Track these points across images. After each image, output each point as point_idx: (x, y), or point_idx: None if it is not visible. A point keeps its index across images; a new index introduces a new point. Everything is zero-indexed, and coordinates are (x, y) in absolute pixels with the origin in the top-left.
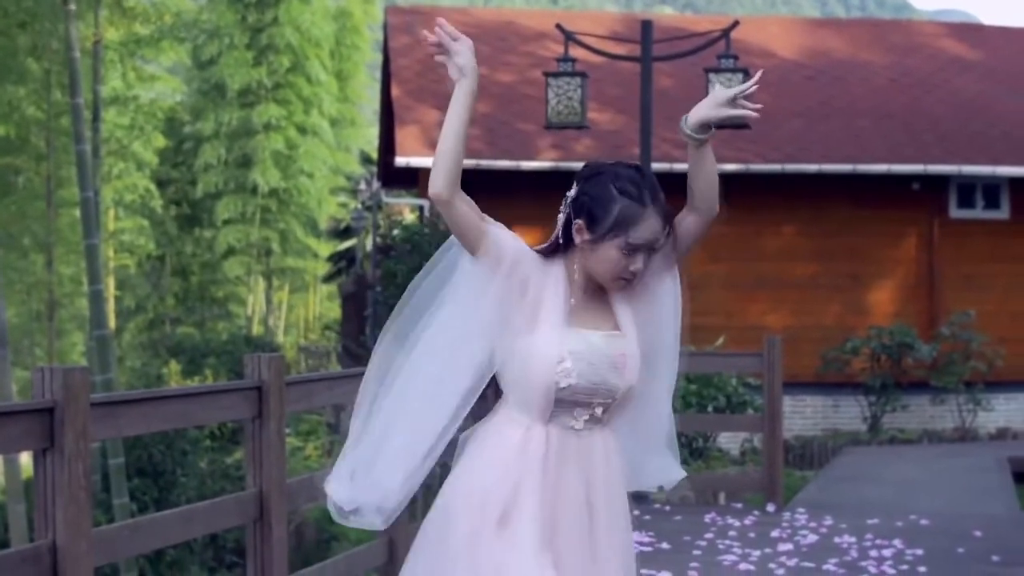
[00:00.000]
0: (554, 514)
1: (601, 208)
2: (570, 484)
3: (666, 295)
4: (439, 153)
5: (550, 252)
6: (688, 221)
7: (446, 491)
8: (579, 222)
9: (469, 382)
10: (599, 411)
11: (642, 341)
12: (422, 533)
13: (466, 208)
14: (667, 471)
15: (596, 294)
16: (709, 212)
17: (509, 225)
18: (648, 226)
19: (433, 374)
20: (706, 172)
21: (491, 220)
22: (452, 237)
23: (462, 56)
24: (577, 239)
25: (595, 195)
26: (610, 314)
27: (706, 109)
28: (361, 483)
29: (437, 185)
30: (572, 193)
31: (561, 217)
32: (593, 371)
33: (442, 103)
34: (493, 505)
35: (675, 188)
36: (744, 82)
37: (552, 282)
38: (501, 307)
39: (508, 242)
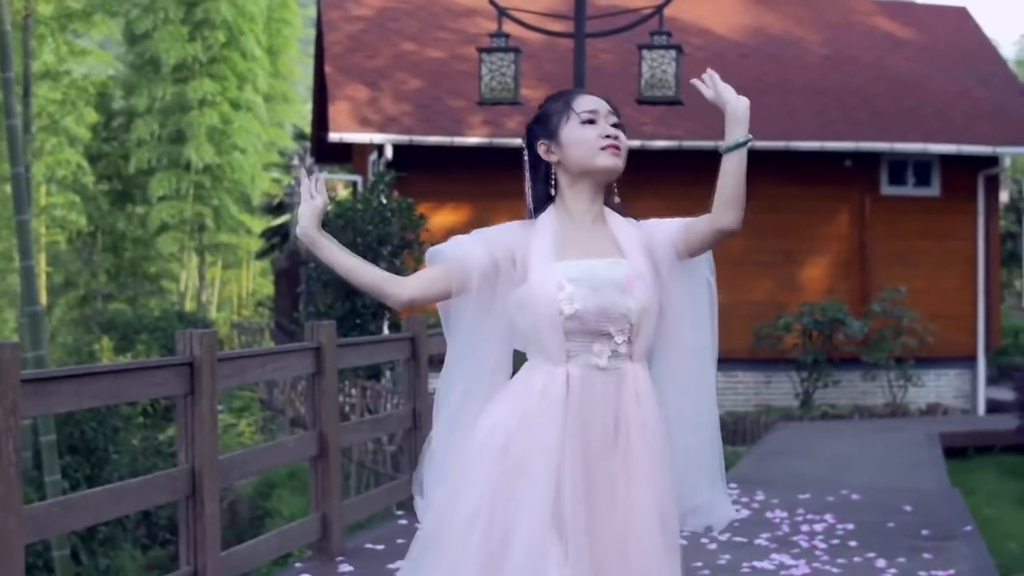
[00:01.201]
0: (580, 455)
1: (543, 121)
2: (595, 425)
3: (687, 299)
4: (364, 285)
5: (543, 204)
6: (701, 222)
7: (469, 435)
8: (542, 143)
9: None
10: (620, 341)
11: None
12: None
13: (426, 285)
14: (716, 508)
15: (598, 225)
16: (719, 220)
17: (443, 201)
18: (585, 99)
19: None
20: (721, 178)
21: (447, 249)
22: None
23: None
24: (551, 157)
25: (534, 122)
26: (613, 243)
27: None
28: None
29: (396, 301)
30: (523, 144)
31: (529, 174)
32: (598, 295)
33: (374, 79)
34: (512, 446)
35: None
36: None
37: (536, 232)
38: (496, 300)
39: (468, 248)
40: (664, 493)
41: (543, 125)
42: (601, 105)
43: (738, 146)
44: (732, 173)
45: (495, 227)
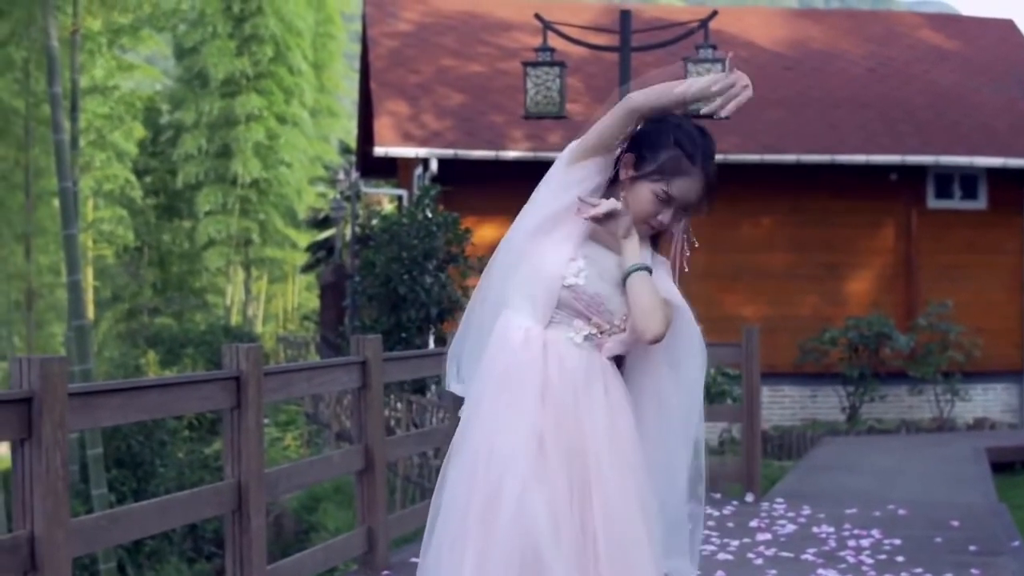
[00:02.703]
0: (554, 415)
1: (652, 149)
2: (567, 392)
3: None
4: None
5: (609, 184)
6: (629, 331)
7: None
8: (629, 155)
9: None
10: (596, 331)
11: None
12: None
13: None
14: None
15: (609, 251)
16: (644, 335)
17: (488, 215)
18: (690, 184)
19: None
20: (630, 297)
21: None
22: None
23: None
24: (622, 173)
25: (652, 136)
26: (642, 257)
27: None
28: (469, 375)
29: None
30: (635, 128)
31: (618, 151)
32: (600, 282)
33: (416, 94)
34: (499, 395)
35: None
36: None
37: (570, 227)
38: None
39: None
40: (640, 485)
41: (644, 153)
42: (694, 197)
43: (636, 270)
44: (637, 292)
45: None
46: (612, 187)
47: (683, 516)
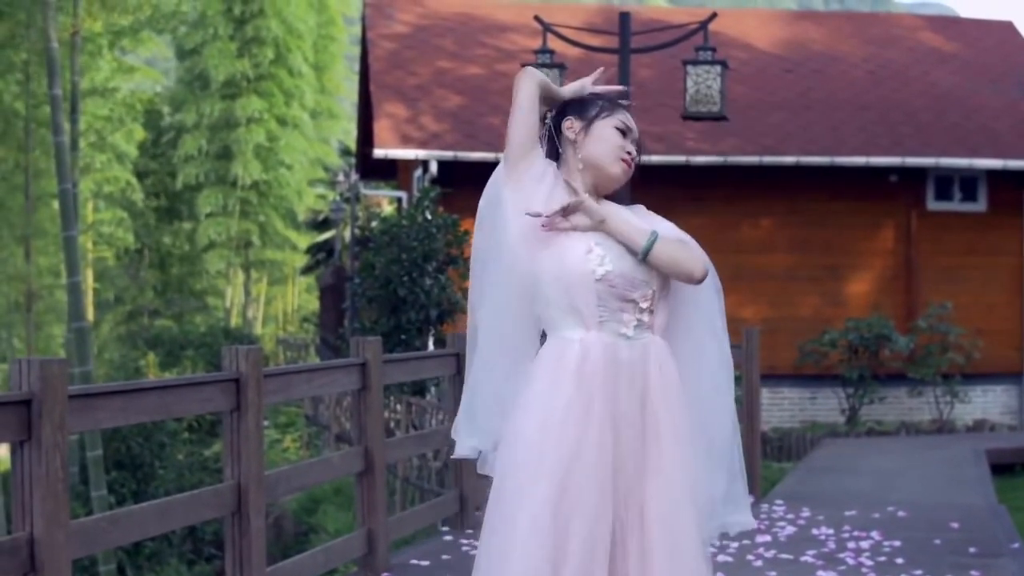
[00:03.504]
0: (610, 428)
1: (582, 106)
2: (623, 398)
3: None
4: None
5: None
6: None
7: (507, 438)
8: (571, 120)
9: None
10: (645, 307)
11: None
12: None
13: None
14: (734, 506)
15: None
16: (689, 280)
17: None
18: (627, 115)
19: (496, 321)
20: (661, 268)
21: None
22: (495, 176)
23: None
24: (569, 136)
25: (573, 104)
26: (629, 220)
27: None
28: (468, 432)
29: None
30: (547, 114)
31: (544, 134)
32: (623, 258)
33: (414, 96)
34: (555, 431)
35: (653, 180)
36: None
37: (559, 188)
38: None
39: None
40: (685, 464)
41: (581, 108)
42: (634, 127)
43: (650, 246)
44: (665, 255)
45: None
46: (561, 166)
47: (737, 467)
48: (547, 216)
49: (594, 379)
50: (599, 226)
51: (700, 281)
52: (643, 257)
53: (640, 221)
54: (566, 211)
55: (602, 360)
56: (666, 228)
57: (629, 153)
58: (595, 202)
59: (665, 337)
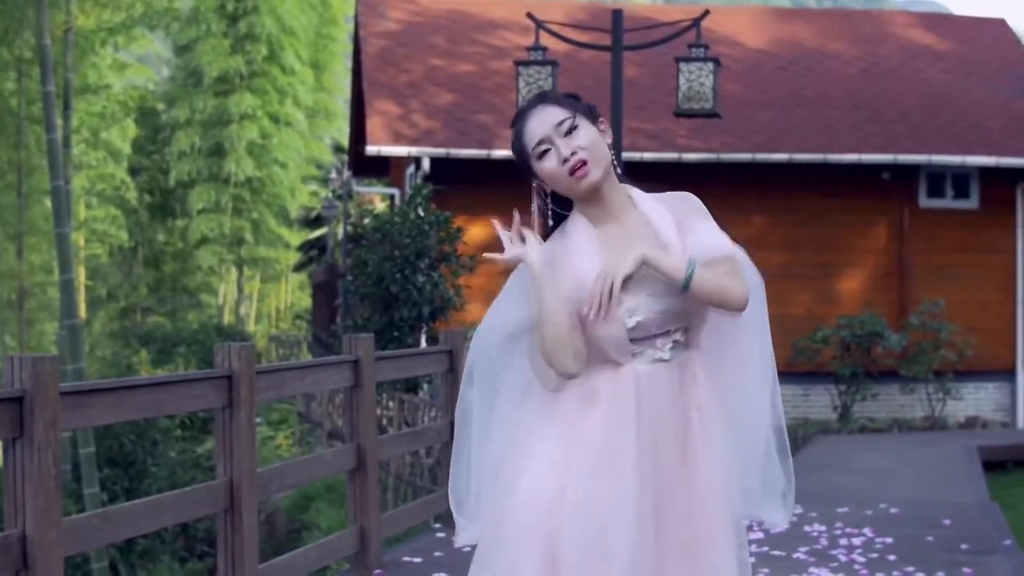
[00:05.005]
0: (650, 455)
1: (518, 162)
2: (663, 423)
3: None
4: (548, 339)
5: (549, 235)
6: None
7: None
8: (533, 182)
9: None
10: (679, 335)
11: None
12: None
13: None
14: (767, 501)
15: (628, 210)
16: (729, 310)
17: (479, 214)
18: (530, 131)
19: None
20: (703, 301)
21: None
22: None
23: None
24: (542, 190)
25: (517, 169)
26: (648, 227)
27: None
28: (472, 519)
29: (570, 367)
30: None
31: (537, 201)
32: (657, 301)
33: (406, 93)
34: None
35: (645, 177)
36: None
37: (574, 241)
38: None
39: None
40: (728, 478)
41: (522, 166)
42: (546, 125)
43: (690, 279)
44: (704, 290)
45: (545, 249)
46: (557, 225)
47: (775, 470)
48: (598, 305)
49: (626, 412)
50: (642, 267)
51: (741, 311)
52: (683, 290)
53: (672, 230)
54: (610, 296)
55: (635, 390)
56: (708, 240)
57: (566, 160)
58: (616, 260)
59: (705, 339)
